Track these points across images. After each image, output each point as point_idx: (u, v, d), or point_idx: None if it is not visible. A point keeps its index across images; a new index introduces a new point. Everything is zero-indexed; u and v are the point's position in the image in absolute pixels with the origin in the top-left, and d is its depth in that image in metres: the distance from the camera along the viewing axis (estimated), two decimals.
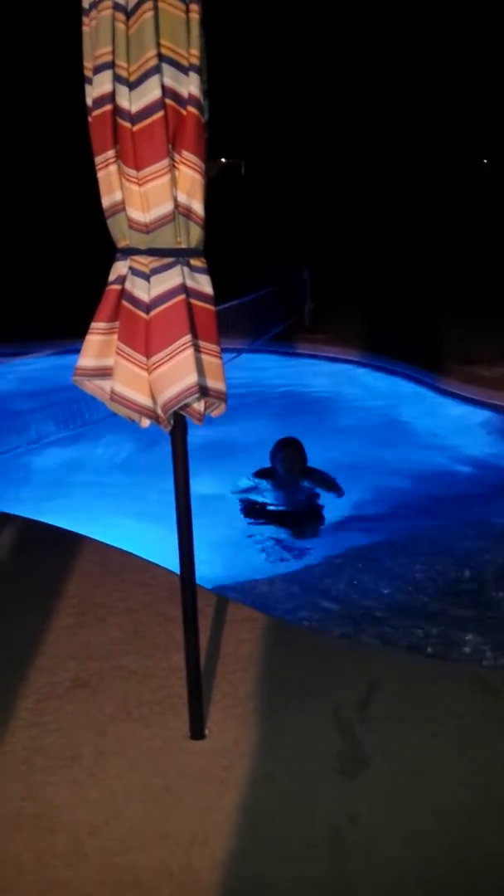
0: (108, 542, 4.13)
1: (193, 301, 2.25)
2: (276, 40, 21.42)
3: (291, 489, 5.80)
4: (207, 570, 3.87)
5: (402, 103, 22.38)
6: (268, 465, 5.94)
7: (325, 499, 5.86)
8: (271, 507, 5.73)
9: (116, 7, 2.07)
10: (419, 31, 21.54)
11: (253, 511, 5.69)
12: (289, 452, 5.77)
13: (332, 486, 5.95)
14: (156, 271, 2.20)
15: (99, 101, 2.13)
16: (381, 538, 5.33)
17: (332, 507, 5.80)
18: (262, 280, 10.00)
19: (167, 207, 2.16)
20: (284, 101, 22.11)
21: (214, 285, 2.31)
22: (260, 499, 5.80)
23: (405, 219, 19.55)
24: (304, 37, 21.34)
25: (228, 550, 5.10)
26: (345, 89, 22.13)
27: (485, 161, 26.03)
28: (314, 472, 5.93)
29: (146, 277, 2.21)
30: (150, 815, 2.39)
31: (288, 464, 5.75)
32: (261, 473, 5.90)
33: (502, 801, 2.46)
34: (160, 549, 3.73)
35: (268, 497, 5.81)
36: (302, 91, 22.12)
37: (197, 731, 2.69)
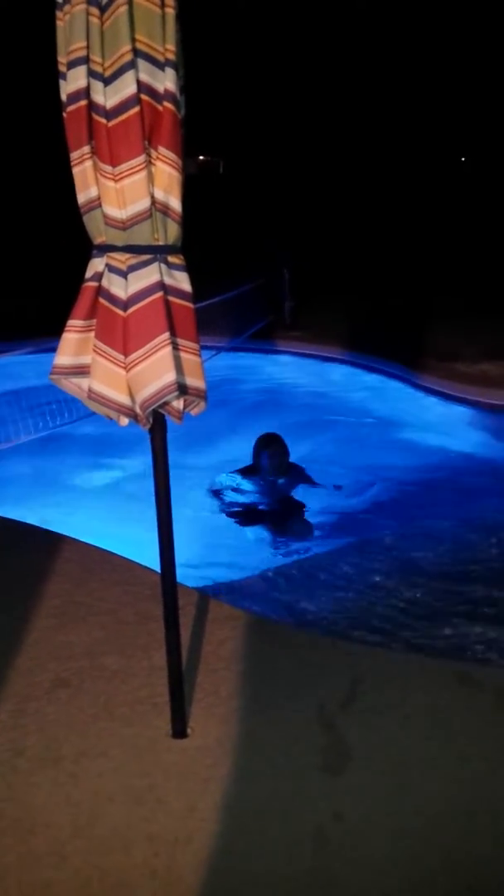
0: (87, 541, 4.11)
1: (171, 298, 2.23)
2: (258, 37, 21.41)
3: (274, 485, 5.79)
4: (189, 568, 3.86)
5: (382, 101, 22.44)
6: (248, 462, 5.93)
7: (307, 495, 5.87)
8: (254, 505, 5.72)
9: (90, 1, 2.04)
10: (401, 34, 21.59)
11: (236, 509, 5.68)
12: (275, 448, 5.77)
13: (314, 483, 5.96)
14: (133, 268, 2.18)
15: (73, 97, 2.11)
16: (362, 535, 5.33)
17: (314, 504, 5.80)
18: (241, 278, 9.98)
19: (144, 204, 2.15)
20: (264, 98, 22.11)
21: (193, 282, 2.30)
22: (242, 497, 5.79)
23: (385, 216, 19.60)
24: (286, 34, 21.34)
25: (210, 548, 5.09)
26: (324, 87, 22.15)
27: (462, 159, 26.13)
28: (296, 468, 5.94)
29: (123, 275, 2.19)
30: (133, 816, 2.38)
31: (276, 460, 5.74)
32: (243, 471, 5.89)
33: (488, 797, 2.47)
34: (141, 547, 3.72)
35: (250, 494, 5.80)
36: (281, 88, 22.11)
37: (179, 730, 2.68)
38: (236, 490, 5.86)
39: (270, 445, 5.78)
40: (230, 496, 5.82)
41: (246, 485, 5.84)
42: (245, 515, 5.63)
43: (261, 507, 5.71)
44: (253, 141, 23.07)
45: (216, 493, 5.85)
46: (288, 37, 21.37)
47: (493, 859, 2.26)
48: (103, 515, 5.52)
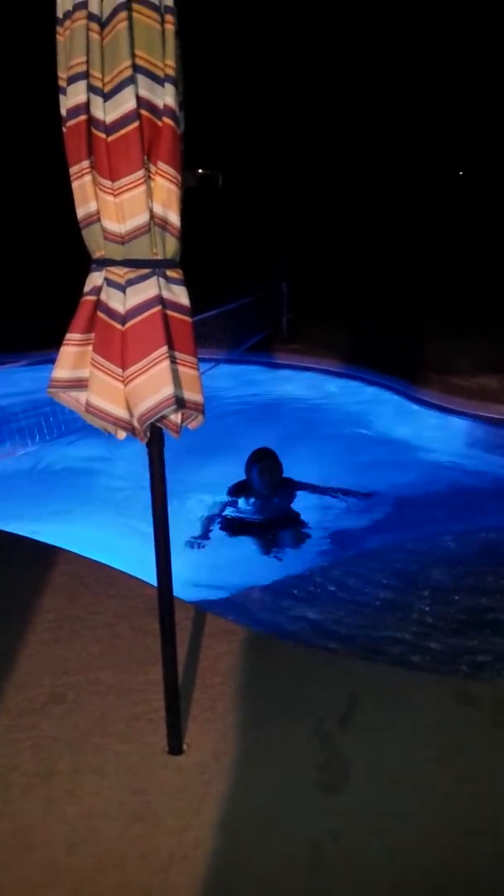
0: (83, 554, 4.09)
1: (170, 312, 2.23)
2: (259, 51, 21.53)
3: (268, 500, 5.78)
4: (185, 582, 3.85)
5: (381, 112, 22.55)
6: (243, 477, 5.91)
7: (303, 509, 5.86)
8: (249, 519, 5.71)
9: (91, 17, 2.05)
10: (400, 50, 21.72)
11: (231, 524, 5.67)
12: (265, 464, 5.73)
13: (312, 492, 5.96)
14: (131, 282, 2.19)
15: (73, 112, 2.11)
16: (359, 549, 5.33)
17: (310, 518, 5.79)
18: (239, 291, 10.00)
19: (143, 218, 2.15)
20: (263, 113, 22.20)
21: (191, 296, 2.30)
22: (236, 513, 5.78)
23: (383, 230, 19.66)
24: (284, 46, 21.46)
25: (206, 562, 5.08)
26: (323, 98, 22.26)
27: (461, 173, 26.25)
28: (290, 483, 5.92)
29: (122, 289, 2.19)
30: (128, 833, 2.36)
31: (266, 476, 5.71)
32: (236, 489, 5.86)
33: (487, 814, 2.45)
34: (137, 560, 3.71)
35: (244, 510, 5.78)
36: (280, 103, 22.22)
37: (175, 746, 2.66)
38: (231, 504, 5.84)
39: (262, 461, 5.73)
40: (225, 511, 5.80)
41: (240, 500, 5.82)
42: (240, 530, 5.61)
43: (255, 522, 5.69)
44: (251, 153, 23.15)
45: (211, 508, 5.84)
46: (286, 48, 21.48)
47: (492, 878, 2.24)
48: (98, 528, 5.51)
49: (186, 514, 5.65)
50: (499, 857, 2.30)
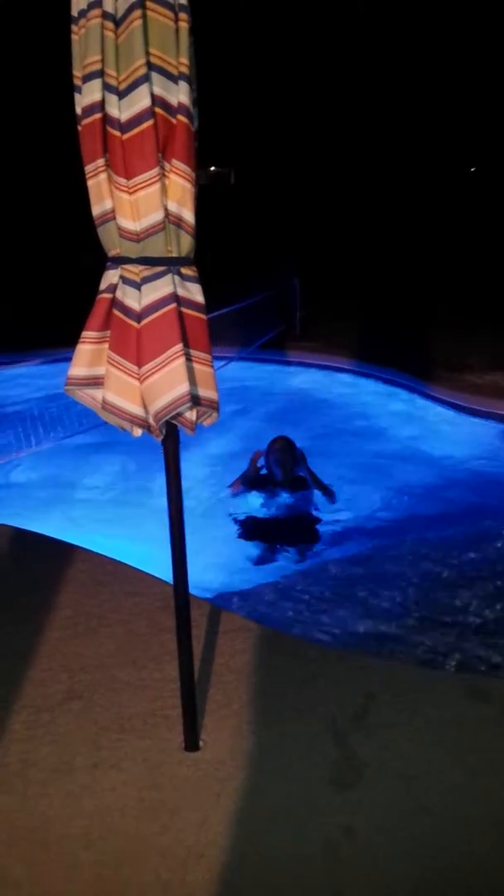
0: (98, 552, 4.11)
1: (185, 310, 2.24)
2: (268, 50, 21.51)
3: (285, 494, 5.78)
4: (201, 578, 3.86)
5: (393, 113, 22.49)
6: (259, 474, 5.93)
7: (318, 506, 5.86)
8: (264, 515, 5.72)
9: (105, 15, 2.06)
10: (409, 46, 21.64)
11: (246, 519, 5.67)
12: (281, 444, 5.77)
13: (323, 487, 5.95)
14: (147, 280, 2.19)
15: (88, 110, 2.12)
16: (374, 546, 5.31)
17: (325, 515, 5.79)
18: (252, 288, 10.01)
19: (158, 216, 2.15)
20: (275, 109, 22.19)
21: (205, 293, 2.30)
22: (253, 507, 5.78)
23: (396, 227, 19.61)
24: (296, 47, 21.44)
25: (221, 558, 5.08)
26: (335, 99, 22.22)
27: (472, 169, 26.14)
28: (305, 482, 5.93)
29: (137, 286, 2.20)
30: (145, 828, 2.37)
31: (281, 455, 5.74)
32: (253, 481, 5.88)
33: (498, 810, 2.45)
34: (152, 557, 3.72)
35: (261, 504, 5.79)
36: (292, 100, 22.20)
37: (191, 743, 2.67)
38: (246, 499, 5.85)
39: (277, 442, 5.80)
40: (240, 506, 5.81)
41: (256, 494, 5.83)
42: (256, 526, 5.61)
43: (271, 517, 5.70)
44: (263, 151, 23.14)
45: (228, 504, 5.84)
46: (295, 47, 21.46)
47: (503, 872, 2.24)
48: (114, 526, 5.52)
49: (200, 509, 5.65)
50: None
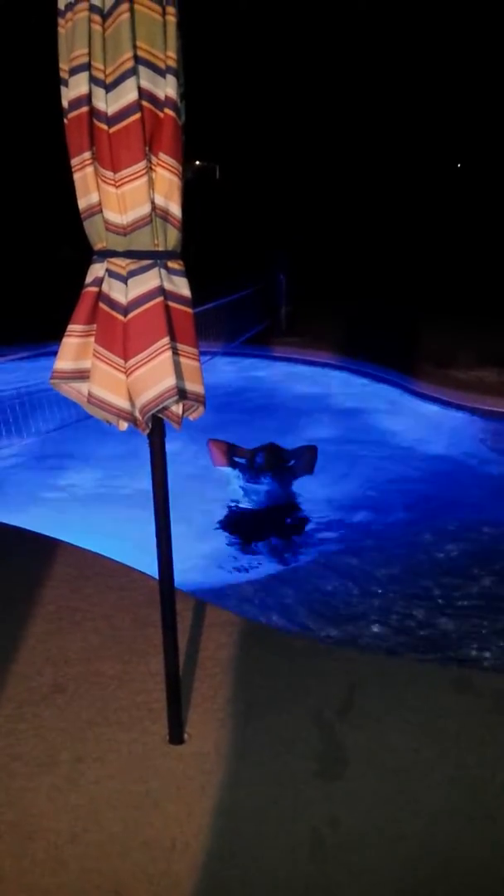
0: (83, 546, 4.10)
1: (171, 304, 2.24)
2: (257, 44, 21.45)
3: (266, 480, 5.82)
4: (185, 571, 3.86)
5: (379, 105, 22.48)
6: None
7: (303, 496, 5.89)
8: (249, 507, 5.74)
9: (92, 9, 2.05)
10: (399, 42, 21.64)
11: (231, 509, 5.69)
12: (269, 445, 5.95)
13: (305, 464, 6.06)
14: (133, 273, 2.19)
15: (75, 103, 2.11)
16: (358, 540, 5.34)
17: (310, 509, 5.81)
18: (237, 283, 10.01)
19: (144, 210, 2.15)
20: (262, 103, 22.14)
21: (191, 288, 2.30)
22: (237, 495, 5.81)
23: (381, 223, 19.64)
24: (283, 38, 21.37)
25: (205, 550, 5.09)
26: (323, 94, 22.19)
27: (458, 165, 26.18)
28: (290, 470, 6.01)
29: (123, 280, 2.20)
30: (130, 821, 2.38)
31: (268, 448, 5.89)
32: (239, 467, 5.95)
33: (486, 802, 2.47)
34: (136, 552, 3.72)
35: (243, 490, 5.82)
36: (276, 93, 22.15)
37: (176, 736, 2.68)
38: (229, 482, 5.89)
39: (267, 443, 5.90)
40: (224, 495, 5.84)
41: (238, 475, 5.88)
42: (239, 516, 5.64)
43: (256, 510, 5.72)
44: (249, 146, 23.10)
45: (210, 494, 5.86)
46: (287, 41, 21.41)
47: (490, 865, 2.26)
48: (98, 519, 5.51)
49: (184, 504, 5.66)
50: (499, 843, 2.32)
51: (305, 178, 22.66)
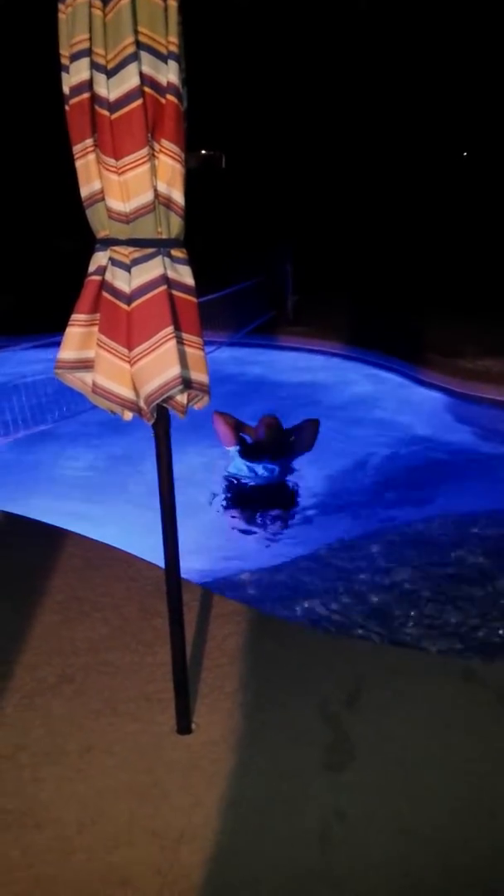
0: (90, 536, 4.10)
1: (175, 292, 2.22)
2: (261, 30, 21.32)
3: (269, 465, 5.81)
4: (191, 561, 3.86)
5: (384, 94, 22.33)
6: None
7: (306, 478, 5.89)
8: (252, 489, 5.72)
9: None
10: (404, 32, 21.48)
11: (235, 491, 5.68)
12: (270, 417, 5.99)
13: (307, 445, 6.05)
14: (136, 262, 2.17)
15: (76, 90, 2.09)
16: (364, 529, 5.33)
17: (316, 497, 5.81)
18: (244, 272, 9.98)
19: (147, 197, 2.13)
20: (266, 91, 22.01)
21: (196, 277, 2.29)
22: (241, 481, 5.80)
23: (389, 212, 19.52)
24: (288, 27, 21.24)
25: (212, 541, 5.08)
26: (327, 79, 22.06)
27: (465, 154, 25.99)
28: (290, 448, 6.02)
29: (127, 268, 2.18)
30: (138, 811, 2.38)
31: (268, 421, 5.93)
32: (242, 450, 5.94)
33: (491, 795, 2.46)
34: (143, 541, 3.71)
35: (247, 475, 5.81)
36: (283, 82, 22.03)
37: (184, 726, 2.67)
38: (236, 471, 5.88)
39: (265, 417, 5.99)
40: (230, 478, 5.83)
41: (242, 460, 5.87)
42: (244, 503, 5.63)
43: (261, 494, 5.71)
44: (255, 135, 22.97)
45: (215, 484, 5.86)
46: (290, 30, 21.27)
47: (495, 858, 2.25)
48: (104, 510, 5.51)
49: (189, 493, 5.67)
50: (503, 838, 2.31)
51: (313, 168, 22.54)
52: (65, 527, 4.22)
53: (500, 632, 3.83)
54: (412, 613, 4.01)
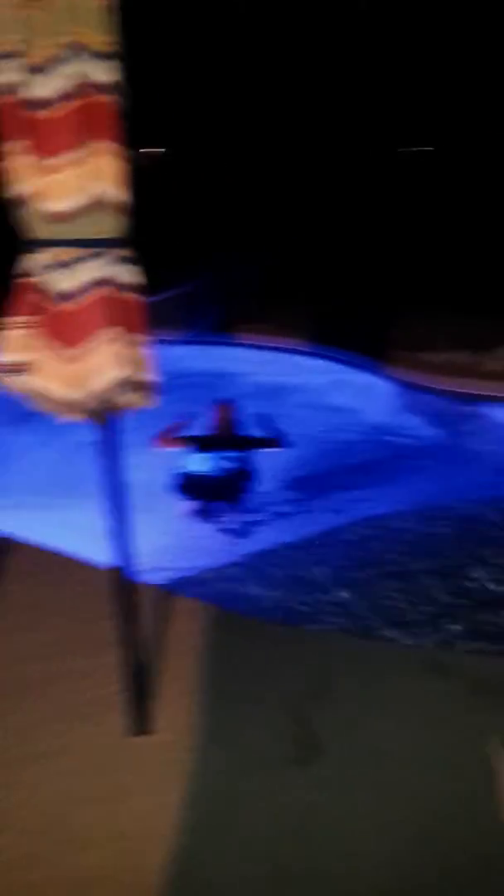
0: (35, 542, 4.04)
1: (118, 292, 2.20)
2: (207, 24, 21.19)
3: (224, 455, 5.76)
4: (148, 562, 3.81)
5: (344, 87, 22.28)
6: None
7: (265, 477, 5.87)
8: (210, 474, 5.66)
9: None
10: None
11: (191, 485, 5.61)
12: (222, 402, 5.94)
13: (267, 441, 5.99)
14: (76, 262, 2.15)
15: (6, 89, 2.06)
16: (325, 521, 5.31)
17: (275, 489, 5.79)
18: (199, 270, 9.92)
19: (85, 196, 2.11)
20: (211, 87, 21.87)
21: (148, 277, 2.26)
22: (197, 470, 5.73)
23: (348, 207, 19.52)
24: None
25: (168, 540, 5.03)
26: (267, 77, 21.96)
27: (431, 149, 26.04)
28: (245, 442, 5.98)
29: (66, 269, 2.15)
30: (100, 814, 2.36)
31: (222, 406, 5.87)
32: (193, 440, 5.89)
33: (464, 785, 2.47)
34: (92, 544, 3.66)
35: (199, 466, 5.75)
36: (229, 79, 21.92)
37: (143, 727, 2.66)
38: (192, 473, 5.81)
39: (218, 406, 5.94)
40: (182, 472, 5.77)
41: (200, 462, 5.80)
42: (198, 491, 5.56)
43: (211, 477, 5.65)
44: (200, 132, 22.81)
45: (167, 480, 5.79)
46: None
47: (470, 846, 2.26)
48: (50, 513, 5.41)
49: (139, 491, 5.58)
50: (478, 825, 2.33)
51: (267, 161, 22.44)
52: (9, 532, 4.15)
53: (464, 622, 3.84)
54: (378, 604, 4.00)
